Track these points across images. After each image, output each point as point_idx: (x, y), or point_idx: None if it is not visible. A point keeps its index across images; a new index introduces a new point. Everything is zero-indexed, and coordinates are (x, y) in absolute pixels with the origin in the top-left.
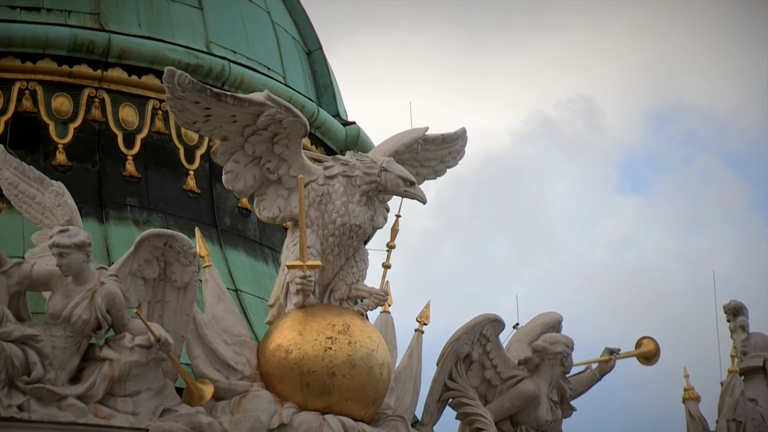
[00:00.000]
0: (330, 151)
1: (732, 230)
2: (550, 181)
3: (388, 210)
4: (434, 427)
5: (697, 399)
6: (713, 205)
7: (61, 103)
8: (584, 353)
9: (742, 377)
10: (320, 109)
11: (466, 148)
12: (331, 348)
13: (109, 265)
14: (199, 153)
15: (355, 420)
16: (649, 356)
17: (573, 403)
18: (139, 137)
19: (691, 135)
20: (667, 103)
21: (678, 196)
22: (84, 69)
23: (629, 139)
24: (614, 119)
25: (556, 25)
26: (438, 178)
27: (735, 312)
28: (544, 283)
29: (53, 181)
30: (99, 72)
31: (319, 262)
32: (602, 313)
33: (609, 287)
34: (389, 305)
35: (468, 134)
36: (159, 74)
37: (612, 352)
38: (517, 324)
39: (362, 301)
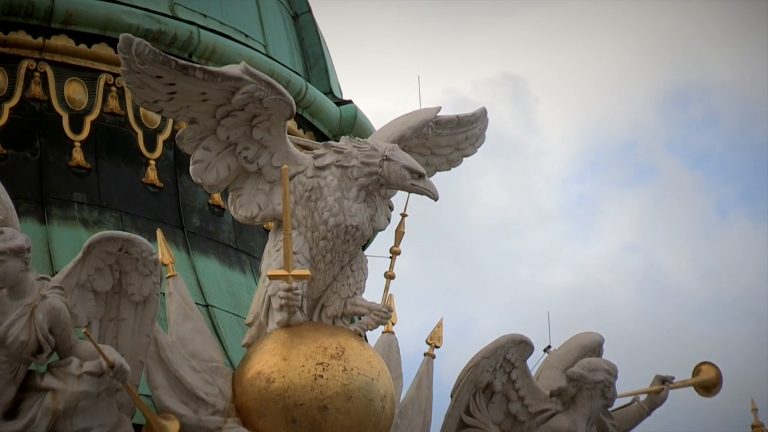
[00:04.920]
0: (321, 137)
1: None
2: (467, 180)
3: (391, 208)
4: None
5: None
6: (667, 208)
7: None
8: (630, 382)
9: None
10: (309, 84)
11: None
12: (322, 376)
13: (53, 275)
14: (161, 138)
15: None
16: (708, 386)
17: None
18: (88, 119)
19: (643, 127)
20: (616, 90)
21: (623, 199)
22: (22, 36)
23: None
24: (549, 106)
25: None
26: (453, 168)
27: None
28: (458, 304)
29: None
30: (40, 40)
31: (307, 272)
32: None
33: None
34: (393, 324)
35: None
36: (113, 42)
37: (664, 381)
38: (549, 347)
39: (360, 318)
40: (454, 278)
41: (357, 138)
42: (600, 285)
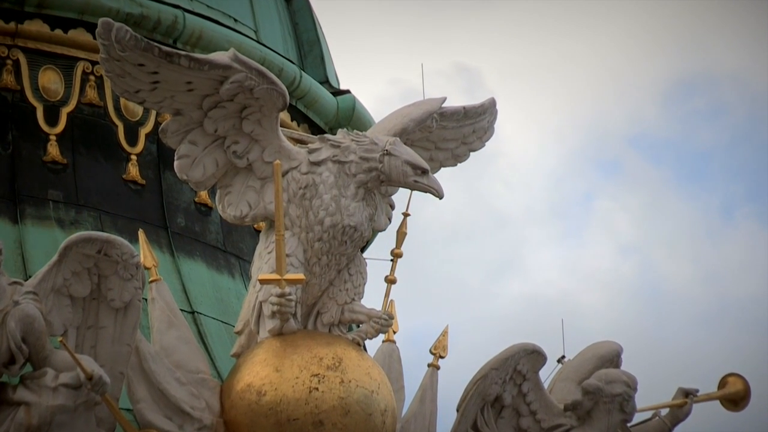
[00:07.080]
0: (317, 129)
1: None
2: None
3: (392, 207)
4: None
5: None
6: (665, 207)
7: None
8: (650, 395)
9: None
10: (303, 73)
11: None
12: (317, 388)
13: (26, 279)
14: (143, 132)
15: None
16: (736, 399)
17: None
18: (64, 111)
19: (643, 121)
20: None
21: (621, 198)
22: None
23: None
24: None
25: None
26: (459, 164)
27: None
28: (409, 314)
29: None
30: (12, 25)
31: (302, 276)
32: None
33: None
34: (394, 332)
35: None
36: (91, 28)
37: (688, 394)
38: (563, 357)
39: (359, 326)
40: (405, 286)
41: (355, 131)
42: (591, 290)
